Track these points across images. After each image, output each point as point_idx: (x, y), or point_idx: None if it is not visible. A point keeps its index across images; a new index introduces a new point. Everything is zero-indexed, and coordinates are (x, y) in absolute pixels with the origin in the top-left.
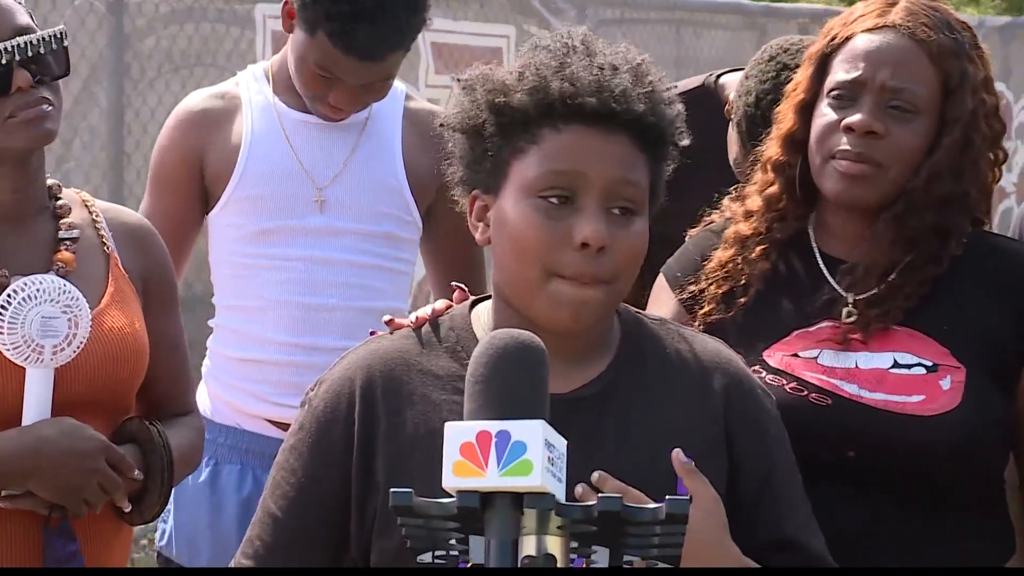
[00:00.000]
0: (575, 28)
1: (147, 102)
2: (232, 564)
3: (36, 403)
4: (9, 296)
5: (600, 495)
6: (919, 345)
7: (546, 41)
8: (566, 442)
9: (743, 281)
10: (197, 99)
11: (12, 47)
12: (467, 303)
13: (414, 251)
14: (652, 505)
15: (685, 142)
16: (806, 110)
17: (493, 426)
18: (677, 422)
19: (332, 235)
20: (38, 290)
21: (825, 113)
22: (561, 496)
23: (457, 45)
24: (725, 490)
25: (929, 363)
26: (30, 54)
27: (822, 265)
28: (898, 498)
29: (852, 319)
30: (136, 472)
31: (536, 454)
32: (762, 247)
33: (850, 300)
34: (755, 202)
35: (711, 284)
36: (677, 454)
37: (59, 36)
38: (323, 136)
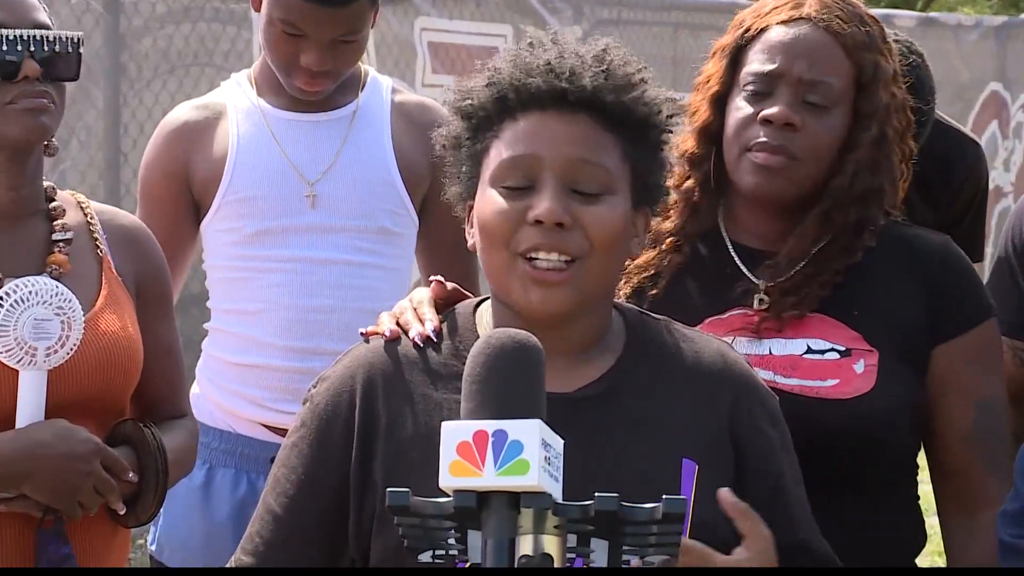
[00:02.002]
0: (560, 27)
1: (144, 102)
2: (232, 560)
3: (29, 406)
4: (1, 299)
5: (596, 494)
6: (831, 330)
7: (521, 42)
8: (563, 441)
9: (652, 273)
10: (179, 112)
11: (28, 37)
12: (471, 302)
13: (410, 247)
14: (649, 504)
15: (674, 125)
16: (720, 102)
17: (490, 425)
18: (681, 422)
19: (326, 233)
20: (30, 292)
21: (741, 106)
22: (558, 495)
23: (454, 44)
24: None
25: (842, 348)
26: (44, 49)
27: (734, 255)
28: (816, 483)
29: (764, 306)
30: (131, 474)
31: (533, 453)
32: (672, 240)
33: (761, 288)
34: (672, 197)
35: (625, 282)
36: (724, 495)
37: (76, 41)
38: (311, 132)
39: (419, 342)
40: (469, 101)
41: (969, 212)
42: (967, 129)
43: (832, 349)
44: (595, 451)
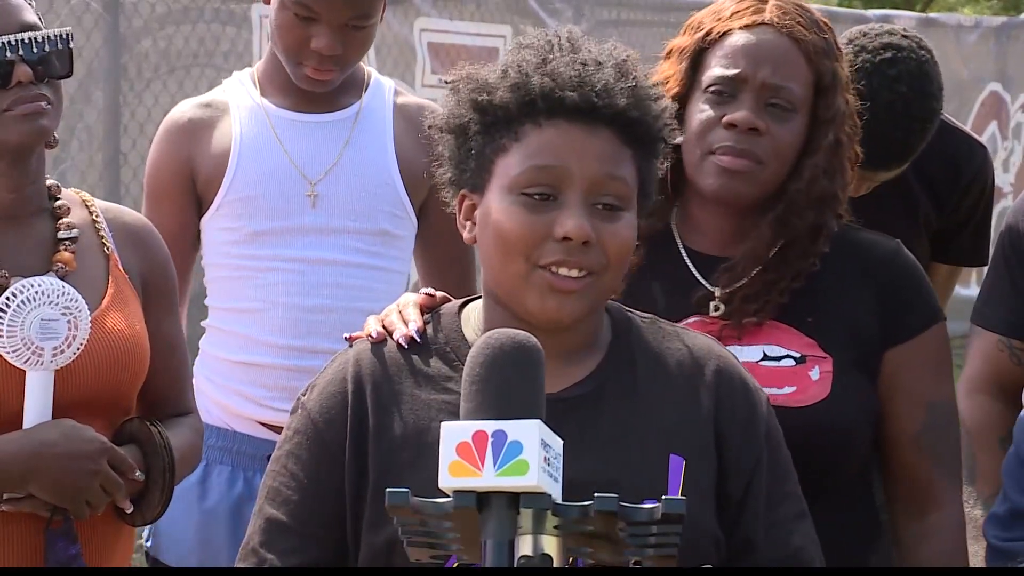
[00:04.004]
0: (563, 27)
1: (144, 102)
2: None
3: (36, 406)
4: (8, 299)
5: (596, 494)
6: (786, 337)
7: (531, 39)
8: (562, 442)
9: None
10: (183, 109)
11: (16, 41)
12: (456, 304)
13: (409, 249)
14: (649, 505)
15: (677, 140)
16: (679, 104)
17: (489, 426)
18: (667, 422)
19: (326, 234)
20: (37, 292)
21: (703, 109)
22: (557, 496)
23: (453, 45)
24: (714, 487)
25: (797, 355)
26: (34, 51)
27: (688, 261)
28: None
29: (719, 312)
30: (137, 473)
31: (532, 454)
32: None
33: (717, 294)
34: None
35: None
36: None
37: (65, 37)
38: (313, 133)
39: (403, 343)
40: (487, 97)
41: (975, 215)
42: (973, 133)
43: (788, 356)
44: (581, 451)
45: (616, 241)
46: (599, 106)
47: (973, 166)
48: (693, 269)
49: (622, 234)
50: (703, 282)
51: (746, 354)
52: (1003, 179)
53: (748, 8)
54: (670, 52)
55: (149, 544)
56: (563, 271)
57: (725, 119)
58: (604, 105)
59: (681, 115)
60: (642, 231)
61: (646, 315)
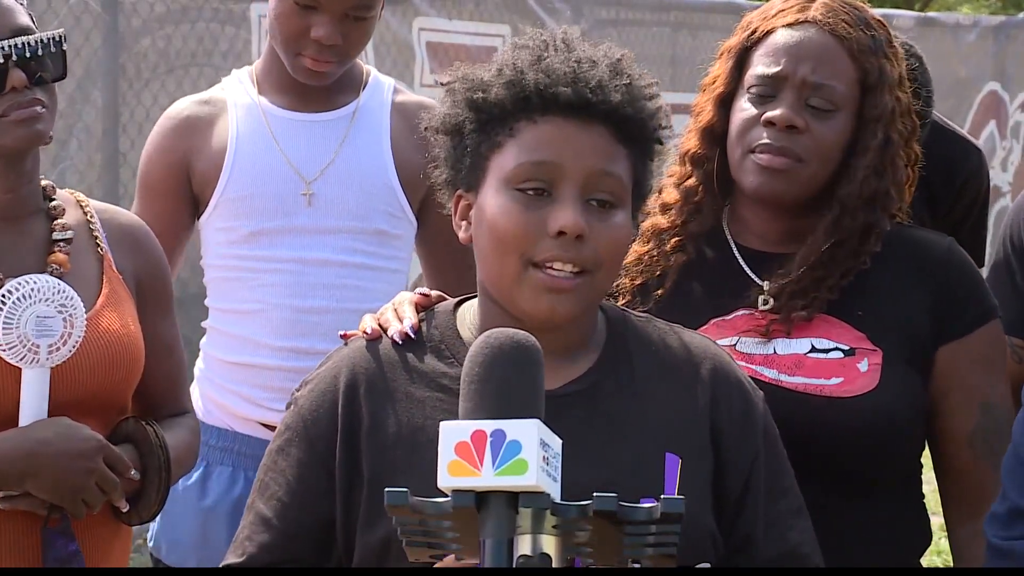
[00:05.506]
0: (558, 27)
1: (142, 102)
2: (220, 565)
3: (32, 403)
4: (3, 296)
5: (595, 494)
6: (835, 331)
7: (526, 39)
8: (561, 441)
9: (658, 273)
10: (181, 106)
11: (9, 47)
12: (452, 302)
13: (407, 249)
14: (648, 504)
15: (671, 140)
16: (725, 103)
17: (488, 425)
18: (663, 421)
19: (322, 234)
20: (32, 290)
21: (745, 108)
22: (556, 495)
23: (452, 44)
24: (711, 487)
25: (846, 347)
26: (27, 55)
27: (739, 257)
28: (820, 481)
29: (768, 306)
30: (133, 472)
31: (531, 453)
32: (677, 239)
33: (765, 289)
34: (672, 195)
35: (626, 277)
36: None
37: (58, 39)
38: (310, 132)
39: (397, 339)
40: (482, 95)
41: (969, 217)
42: (968, 135)
43: (836, 348)
44: (576, 450)
45: (609, 237)
46: (593, 102)
47: (967, 168)
48: (743, 263)
49: (615, 232)
50: (753, 276)
51: (795, 346)
52: (1002, 179)
53: (794, 6)
54: (722, 53)
55: (151, 544)
56: (557, 266)
57: (764, 117)
58: (598, 101)
59: (727, 115)
60: (692, 230)
61: (641, 314)
